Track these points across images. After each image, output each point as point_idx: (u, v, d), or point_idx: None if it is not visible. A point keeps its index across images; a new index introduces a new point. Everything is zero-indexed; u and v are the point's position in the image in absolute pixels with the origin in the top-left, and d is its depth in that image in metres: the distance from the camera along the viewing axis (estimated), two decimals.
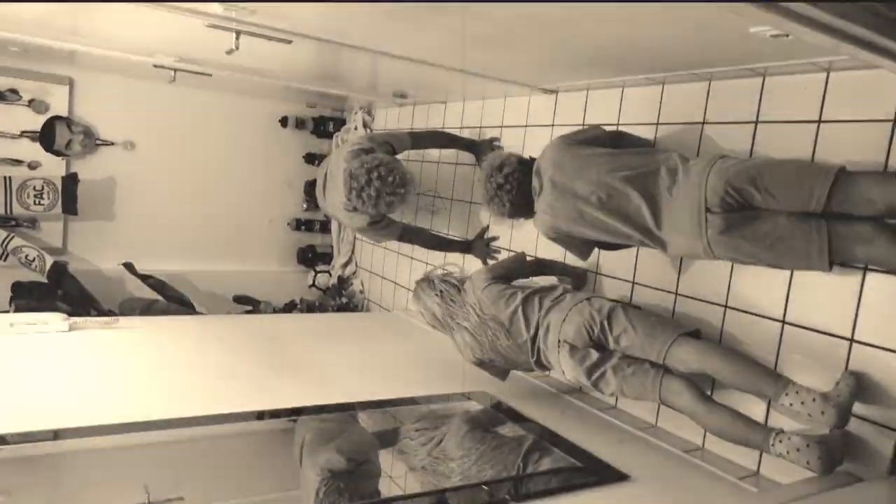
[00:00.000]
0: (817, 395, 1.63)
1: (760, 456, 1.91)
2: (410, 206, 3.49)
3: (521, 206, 2.20)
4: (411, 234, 3.10)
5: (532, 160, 2.23)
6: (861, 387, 1.67)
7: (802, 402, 1.63)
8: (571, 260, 2.59)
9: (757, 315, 1.95)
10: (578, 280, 2.56)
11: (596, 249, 2.37)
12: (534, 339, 2.14)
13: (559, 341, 2.04)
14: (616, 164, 1.98)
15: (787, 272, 1.87)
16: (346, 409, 2.28)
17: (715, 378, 1.87)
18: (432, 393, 2.43)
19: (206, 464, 2.06)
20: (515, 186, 2.16)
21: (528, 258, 2.52)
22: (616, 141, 2.18)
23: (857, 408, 1.70)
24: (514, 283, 2.36)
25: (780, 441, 1.67)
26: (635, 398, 2.00)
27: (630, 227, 1.92)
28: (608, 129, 2.23)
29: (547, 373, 2.47)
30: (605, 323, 1.98)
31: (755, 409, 1.90)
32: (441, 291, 2.34)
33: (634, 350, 1.95)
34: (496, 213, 2.25)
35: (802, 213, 1.65)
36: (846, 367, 1.73)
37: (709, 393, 2.01)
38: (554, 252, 2.70)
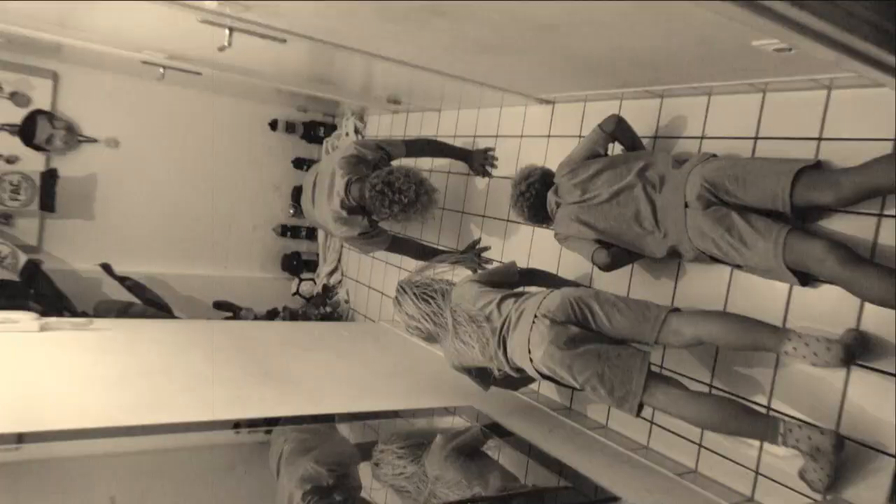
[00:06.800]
0: (820, 335, 1.64)
1: (755, 480, 1.89)
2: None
3: (539, 214, 2.38)
4: (400, 246, 3.08)
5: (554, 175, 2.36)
6: (866, 343, 1.66)
7: (807, 343, 1.63)
8: (563, 272, 2.59)
9: None
10: None
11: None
12: (501, 328, 2.05)
13: (535, 317, 1.92)
14: (617, 173, 2.11)
15: (786, 291, 1.87)
16: (327, 421, 2.23)
17: (714, 343, 1.85)
18: (416, 406, 2.39)
19: (177, 476, 2.01)
20: (534, 196, 2.34)
21: (518, 268, 2.50)
22: (613, 139, 2.26)
23: (856, 432, 1.69)
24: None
25: (790, 431, 1.65)
26: (608, 391, 1.81)
27: (638, 226, 2.04)
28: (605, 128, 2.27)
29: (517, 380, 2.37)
30: (593, 302, 1.90)
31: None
32: (422, 295, 2.28)
33: (625, 329, 1.87)
34: (519, 217, 2.47)
35: (772, 212, 1.76)
36: (843, 396, 1.72)
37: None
38: (547, 265, 2.68)
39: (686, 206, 1.90)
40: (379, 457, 2.10)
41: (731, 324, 1.78)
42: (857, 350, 1.64)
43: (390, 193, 2.65)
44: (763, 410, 1.89)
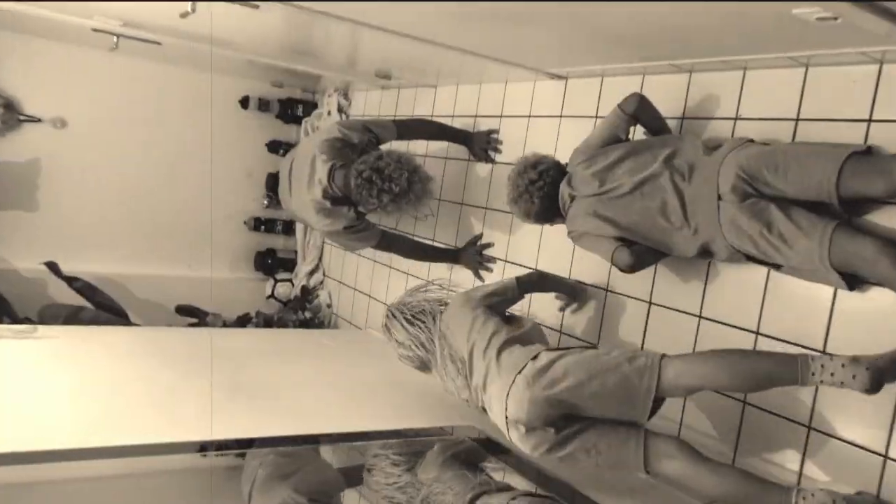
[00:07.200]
0: (846, 359, 1.63)
1: None
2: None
3: (551, 209, 2.33)
4: (390, 242, 3.09)
5: (566, 166, 2.36)
6: None
7: (832, 373, 1.63)
8: (577, 273, 2.60)
9: (795, 345, 1.95)
10: (575, 297, 2.58)
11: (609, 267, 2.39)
12: (476, 394, 2.11)
13: (507, 419, 1.96)
14: (640, 161, 2.11)
15: (829, 296, 1.88)
16: (307, 443, 2.25)
17: (723, 391, 1.89)
18: (409, 426, 2.41)
19: None
20: (548, 185, 2.30)
21: (516, 282, 2.50)
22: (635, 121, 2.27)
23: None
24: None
25: (804, 498, 1.66)
26: (615, 471, 1.96)
27: (665, 221, 2.05)
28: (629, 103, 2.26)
29: None
30: (566, 397, 1.86)
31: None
32: (412, 319, 2.32)
33: (613, 409, 1.87)
34: (521, 213, 2.40)
35: (817, 204, 1.77)
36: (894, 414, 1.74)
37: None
38: (559, 264, 2.70)
39: (720, 198, 1.91)
40: (372, 461, 2.15)
41: (740, 368, 1.75)
42: (886, 375, 1.62)
43: (379, 182, 2.66)
44: (804, 428, 1.91)
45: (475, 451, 2.27)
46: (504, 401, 1.94)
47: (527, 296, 2.65)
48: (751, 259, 1.95)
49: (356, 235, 2.94)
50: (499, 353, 2.04)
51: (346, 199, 2.84)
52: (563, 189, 2.30)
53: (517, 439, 1.95)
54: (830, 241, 1.72)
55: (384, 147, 2.97)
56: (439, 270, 3.32)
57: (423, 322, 2.29)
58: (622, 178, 2.13)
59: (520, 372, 1.93)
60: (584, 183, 2.23)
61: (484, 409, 2.13)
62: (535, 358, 1.95)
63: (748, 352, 1.85)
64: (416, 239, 3.24)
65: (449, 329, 2.20)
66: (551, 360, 1.91)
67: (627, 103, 2.23)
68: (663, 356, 1.84)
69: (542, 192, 2.30)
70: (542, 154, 2.42)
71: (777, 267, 1.92)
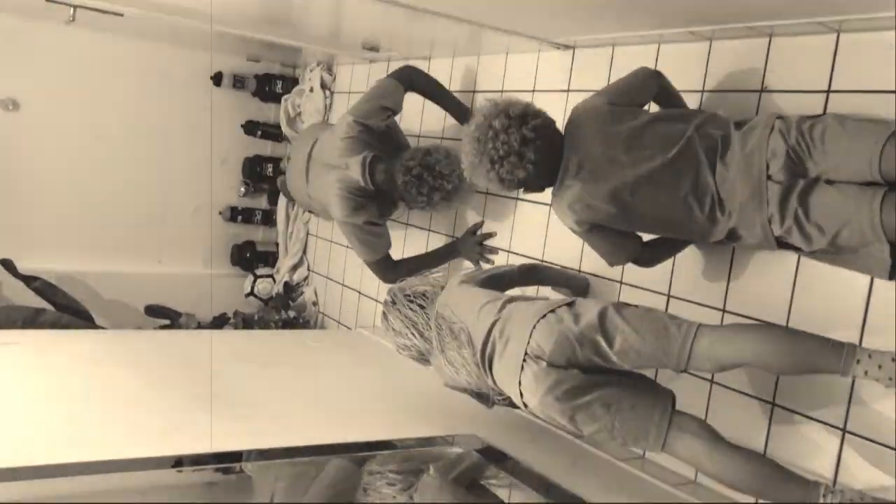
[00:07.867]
0: (895, 354, 1.65)
1: None
2: None
3: (543, 177, 2.07)
4: (388, 268, 3.09)
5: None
6: None
7: (880, 365, 1.65)
8: (587, 264, 2.61)
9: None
10: (579, 291, 2.60)
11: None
12: (483, 350, 2.05)
13: (525, 355, 1.92)
14: (671, 129, 2.01)
15: (866, 283, 1.89)
16: (291, 456, 2.26)
17: (760, 367, 1.87)
18: (404, 436, 2.42)
19: None
20: (547, 144, 2.03)
21: (516, 267, 2.55)
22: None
23: None
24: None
25: (833, 493, 1.68)
26: (620, 444, 1.93)
27: (696, 202, 1.95)
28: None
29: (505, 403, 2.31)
30: (597, 335, 1.87)
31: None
32: (410, 305, 2.34)
33: (641, 361, 1.89)
34: (496, 178, 2.05)
35: (865, 184, 1.74)
36: None
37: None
38: (568, 254, 2.70)
39: (769, 178, 1.86)
40: (367, 480, 2.17)
41: (781, 344, 1.77)
42: None
43: (430, 179, 2.79)
44: (839, 431, 1.92)
45: (476, 468, 2.29)
46: (527, 335, 1.92)
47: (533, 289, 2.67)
48: (783, 246, 1.94)
49: (370, 237, 3.00)
50: (523, 299, 2.07)
51: (376, 194, 2.94)
52: (570, 154, 2.05)
53: (532, 377, 1.90)
54: (882, 202, 1.70)
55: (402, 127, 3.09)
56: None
57: (422, 306, 2.31)
58: (653, 145, 1.98)
59: (553, 311, 1.96)
60: (604, 144, 2.02)
61: (489, 368, 2.07)
62: (570, 304, 1.98)
63: (791, 329, 1.86)
64: (409, 257, 3.22)
65: (448, 307, 2.21)
66: (586, 307, 1.95)
67: (656, 71, 2.21)
68: (700, 324, 1.86)
69: (539, 155, 2.00)
70: (523, 101, 2.10)
71: (812, 252, 1.91)
